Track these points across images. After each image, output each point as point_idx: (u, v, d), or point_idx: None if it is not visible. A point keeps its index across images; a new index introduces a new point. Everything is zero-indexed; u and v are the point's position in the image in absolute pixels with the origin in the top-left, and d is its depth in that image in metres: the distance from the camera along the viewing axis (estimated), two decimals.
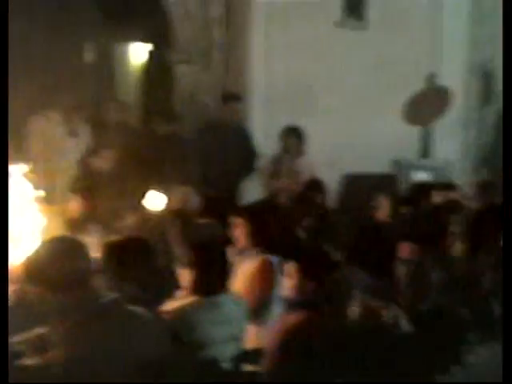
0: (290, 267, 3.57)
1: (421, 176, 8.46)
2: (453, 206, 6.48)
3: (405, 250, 4.24)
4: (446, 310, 3.55)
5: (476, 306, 3.86)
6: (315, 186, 6.49)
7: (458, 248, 4.95)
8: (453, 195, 7.12)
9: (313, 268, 3.54)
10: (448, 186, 7.38)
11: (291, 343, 3.05)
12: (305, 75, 8.15)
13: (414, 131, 9.07)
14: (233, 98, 7.53)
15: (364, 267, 4.19)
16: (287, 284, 3.58)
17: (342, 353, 2.88)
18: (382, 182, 8.26)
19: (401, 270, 3.80)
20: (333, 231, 5.79)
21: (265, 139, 7.73)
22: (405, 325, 3.22)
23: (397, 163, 8.69)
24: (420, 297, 3.61)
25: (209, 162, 7.17)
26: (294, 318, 3.35)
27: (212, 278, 3.57)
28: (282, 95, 8.06)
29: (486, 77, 9.39)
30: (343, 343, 2.95)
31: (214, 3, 8.22)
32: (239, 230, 4.35)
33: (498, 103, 10.17)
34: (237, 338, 3.56)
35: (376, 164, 8.61)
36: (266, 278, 4.18)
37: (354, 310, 3.25)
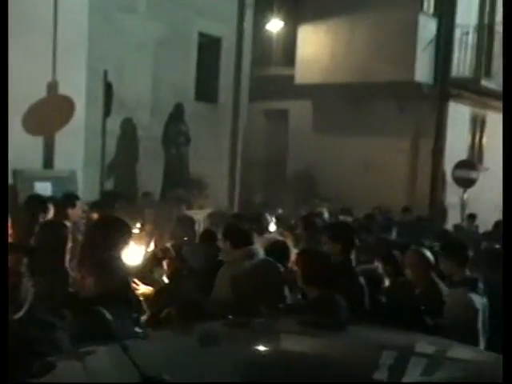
0: None
1: (43, 186, 8.23)
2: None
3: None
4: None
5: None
6: None
7: None
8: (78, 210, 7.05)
9: None
10: (69, 197, 7.30)
11: None
12: None
13: (38, 141, 8.83)
14: None
15: None
16: None
17: None
18: None
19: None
20: None
21: None
22: None
23: (18, 174, 8.34)
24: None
25: None
26: None
27: None
28: None
29: (109, 87, 9.47)
30: None
31: None
32: None
33: (124, 113, 10.44)
34: None
35: None
36: None
37: None
